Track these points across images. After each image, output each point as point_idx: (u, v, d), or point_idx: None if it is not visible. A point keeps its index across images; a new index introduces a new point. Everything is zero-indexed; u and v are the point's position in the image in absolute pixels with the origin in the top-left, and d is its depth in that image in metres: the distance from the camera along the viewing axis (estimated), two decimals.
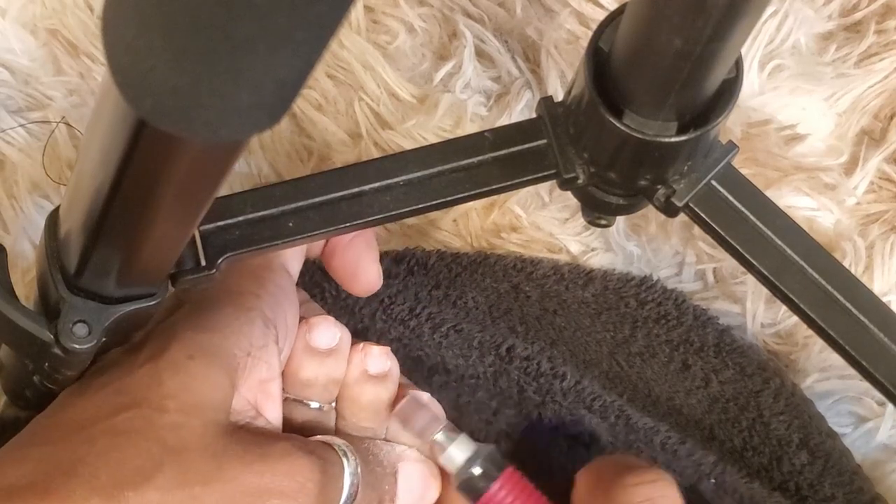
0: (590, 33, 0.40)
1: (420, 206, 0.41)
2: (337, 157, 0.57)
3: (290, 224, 0.40)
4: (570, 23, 0.57)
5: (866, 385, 0.42)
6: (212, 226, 0.39)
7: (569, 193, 0.45)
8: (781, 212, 0.43)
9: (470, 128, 0.56)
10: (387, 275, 0.50)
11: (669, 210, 0.42)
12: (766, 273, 0.42)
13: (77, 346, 0.35)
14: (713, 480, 0.49)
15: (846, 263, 0.54)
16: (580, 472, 0.42)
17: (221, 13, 0.21)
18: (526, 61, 0.59)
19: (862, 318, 0.42)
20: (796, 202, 0.56)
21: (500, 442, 0.51)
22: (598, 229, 0.55)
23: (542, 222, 0.56)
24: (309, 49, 0.22)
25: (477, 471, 0.42)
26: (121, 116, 0.26)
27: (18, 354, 0.39)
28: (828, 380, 0.55)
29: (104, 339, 0.36)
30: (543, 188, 0.57)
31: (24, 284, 0.53)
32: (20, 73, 0.58)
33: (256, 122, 0.24)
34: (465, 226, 0.56)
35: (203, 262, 0.38)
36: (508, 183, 0.42)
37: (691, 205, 0.42)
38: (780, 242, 0.42)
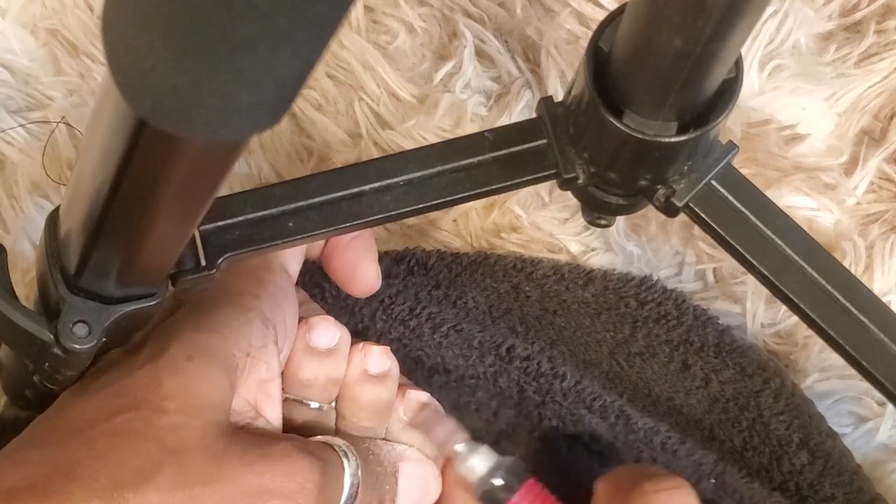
0: (590, 33, 0.40)
1: (420, 206, 0.41)
2: (337, 157, 0.57)
3: (290, 224, 0.40)
4: (570, 23, 0.57)
5: (866, 385, 0.42)
6: (212, 226, 0.39)
7: (569, 193, 0.45)
8: (781, 212, 0.43)
9: (470, 128, 0.56)
10: (387, 275, 0.50)
11: (669, 210, 0.42)
12: (766, 273, 0.42)
13: (77, 346, 0.35)
14: (713, 480, 0.49)
15: (846, 263, 0.54)
16: (600, 479, 0.42)
17: (221, 13, 0.21)
18: (526, 61, 0.59)
19: (862, 318, 0.42)
20: (796, 202, 0.56)
21: (501, 442, 0.51)
22: (598, 229, 0.55)
23: (542, 222, 0.56)
24: (309, 49, 0.22)
25: (498, 482, 0.42)
26: (121, 116, 0.26)
27: (18, 354, 0.39)
28: (828, 380, 0.55)
29: (104, 339, 0.36)
30: (543, 188, 0.57)
31: (24, 284, 0.53)
32: (20, 73, 0.58)
33: (256, 122, 0.24)
34: (465, 226, 0.56)
35: (203, 262, 0.38)
36: (508, 183, 0.42)
37: (691, 205, 0.42)
38: (780, 242, 0.42)
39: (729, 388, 0.53)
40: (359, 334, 0.49)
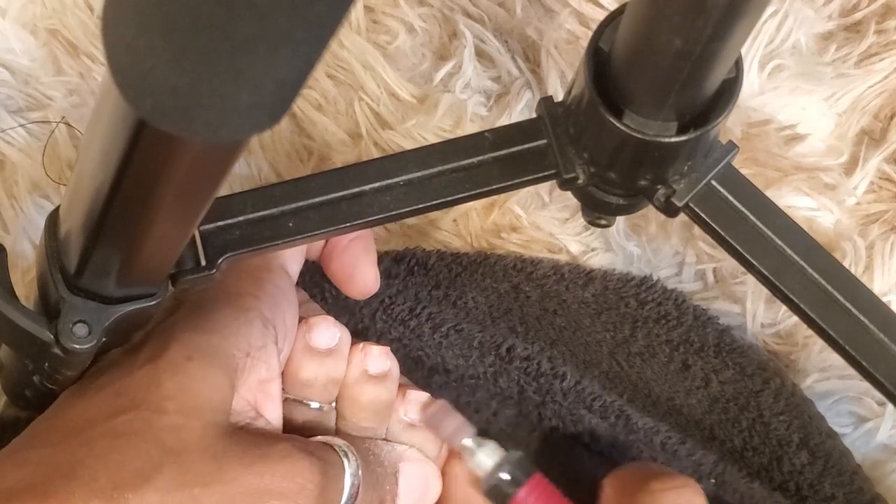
0: (590, 33, 0.40)
1: (420, 206, 0.41)
2: (337, 157, 0.57)
3: (290, 224, 0.40)
4: (570, 23, 0.57)
5: (866, 385, 0.42)
6: (212, 226, 0.39)
7: (569, 193, 0.45)
8: (781, 212, 0.43)
9: (470, 128, 0.56)
10: (387, 275, 0.50)
11: (669, 210, 0.42)
12: (766, 273, 0.42)
13: (77, 346, 0.35)
14: (713, 480, 0.49)
15: (846, 263, 0.54)
16: (607, 477, 0.42)
17: (221, 13, 0.21)
18: (526, 61, 0.59)
19: (862, 318, 0.41)
20: (796, 202, 0.56)
21: (501, 441, 0.51)
22: (598, 229, 0.55)
23: (542, 222, 0.56)
24: (309, 49, 0.22)
25: (505, 476, 0.43)
26: (121, 116, 0.26)
27: (18, 354, 0.39)
28: (828, 380, 0.55)
29: (104, 339, 0.36)
30: (543, 188, 0.57)
31: (24, 284, 0.53)
32: (20, 73, 0.58)
33: (256, 122, 0.24)
34: (465, 226, 0.56)
35: (203, 262, 0.38)
36: (508, 183, 0.42)
37: (691, 205, 0.42)
38: (780, 242, 0.42)
39: (729, 388, 0.53)
40: (359, 334, 0.49)
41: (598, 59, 0.39)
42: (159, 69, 0.22)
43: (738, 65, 0.38)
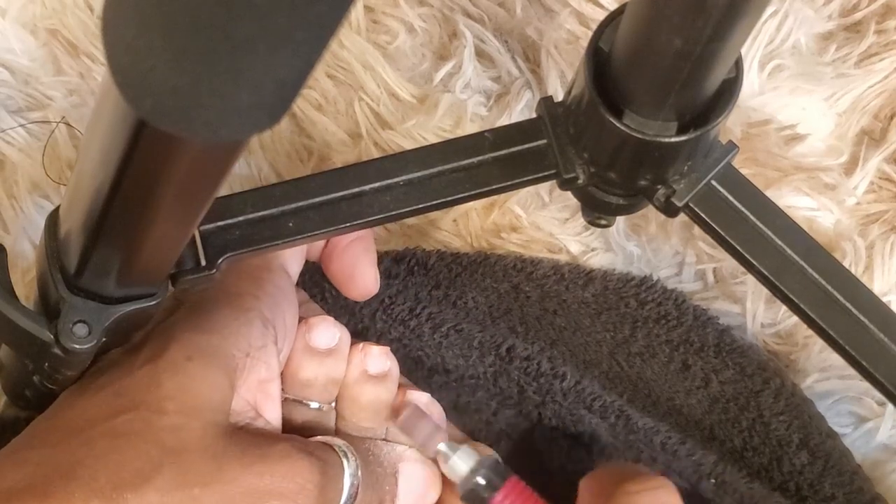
0: (590, 33, 0.40)
1: (420, 206, 0.41)
2: (337, 157, 0.57)
3: (290, 224, 0.40)
4: (570, 23, 0.57)
5: (866, 385, 0.42)
6: (212, 226, 0.39)
7: (569, 193, 0.45)
8: (781, 212, 0.43)
9: (470, 128, 0.56)
10: (387, 275, 0.50)
11: (669, 210, 0.42)
12: (766, 273, 0.42)
13: (77, 346, 0.35)
14: (713, 480, 0.49)
15: (846, 263, 0.54)
16: (583, 479, 0.42)
17: (221, 13, 0.21)
18: (526, 61, 0.59)
19: (862, 318, 0.41)
20: (796, 202, 0.56)
21: (501, 442, 0.51)
22: (598, 229, 0.55)
23: (542, 222, 0.56)
24: (309, 49, 0.22)
25: (481, 480, 0.42)
26: (121, 116, 0.26)
27: (18, 354, 0.39)
28: (828, 380, 0.55)
29: (104, 339, 0.36)
30: (543, 188, 0.57)
31: (24, 284, 0.53)
32: (20, 73, 0.58)
33: (256, 122, 0.24)
34: (465, 226, 0.56)
35: (203, 262, 0.38)
36: (508, 183, 0.42)
37: (691, 205, 0.42)
38: (780, 242, 0.42)
39: (729, 388, 0.53)
40: (359, 334, 0.49)
41: (598, 59, 0.39)
42: (159, 69, 0.22)
43: (738, 65, 0.38)
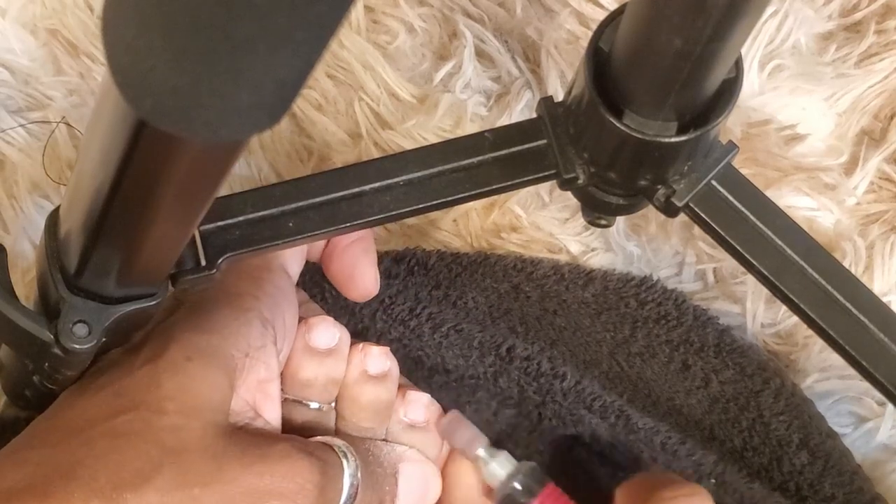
0: (590, 33, 0.40)
1: (420, 206, 0.41)
2: (337, 157, 0.57)
3: (290, 224, 0.40)
4: (570, 23, 0.57)
5: (866, 385, 0.42)
6: (212, 226, 0.39)
7: (569, 193, 0.45)
8: (781, 212, 0.43)
9: (470, 128, 0.56)
10: (387, 275, 0.50)
11: (669, 210, 0.42)
12: (766, 273, 0.42)
13: (77, 346, 0.35)
14: (713, 480, 0.49)
15: (846, 263, 0.54)
16: (619, 487, 0.43)
17: (221, 13, 0.21)
18: (526, 61, 0.59)
19: (862, 318, 0.41)
20: (796, 202, 0.56)
21: (501, 441, 0.51)
22: (598, 229, 0.55)
23: (542, 222, 0.56)
24: (309, 49, 0.22)
25: (518, 486, 0.43)
26: (121, 116, 0.26)
27: (18, 354, 0.39)
28: (828, 380, 0.55)
29: (104, 339, 0.36)
30: (543, 188, 0.57)
31: (24, 284, 0.53)
32: (20, 73, 0.58)
33: (256, 122, 0.24)
34: (465, 226, 0.56)
35: (203, 262, 0.38)
36: (508, 183, 0.42)
37: (691, 205, 0.42)
38: (780, 242, 0.42)
39: (729, 388, 0.53)
40: (359, 335, 0.49)
41: (598, 59, 0.39)
42: (159, 69, 0.22)
43: (738, 65, 0.38)
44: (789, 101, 0.58)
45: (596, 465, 0.50)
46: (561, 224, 0.57)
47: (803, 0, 0.58)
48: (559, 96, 0.43)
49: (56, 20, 0.58)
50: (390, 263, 0.52)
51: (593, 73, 0.39)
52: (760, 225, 0.42)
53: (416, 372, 0.50)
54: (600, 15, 0.53)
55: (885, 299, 0.46)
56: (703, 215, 0.42)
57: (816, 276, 0.42)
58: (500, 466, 0.44)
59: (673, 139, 0.39)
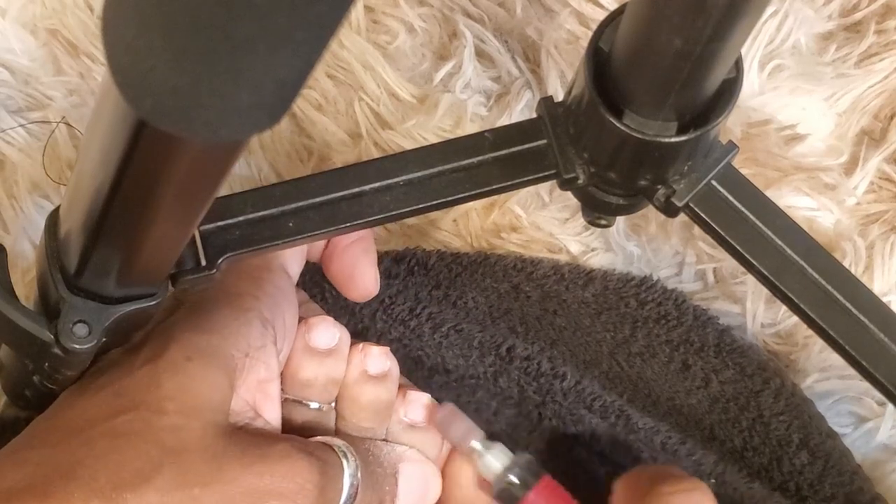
0: (590, 33, 0.40)
1: (420, 206, 0.41)
2: (337, 157, 0.57)
3: (290, 224, 0.40)
4: (570, 23, 0.57)
5: (866, 385, 0.42)
6: (212, 226, 0.39)
7: (569, 193, 0.45)
8: (781, 212, 0.43)
9: (470, 128, 0.56)
10: (387, 275, 0.50)
11: (669, 210, 0.42)
12: (766, 273, 0.42)
13: (77, 346, 0.35)
14: (713, 480, 0.49)
15: (846, 263, 0.54)
16: (617, 481, 0.43)
17: (221, 13, 0.21)
18: (526, 61, 0.59)
19: (862, 318, 0.41)
20: (796, 202, 0.56)
21: (501, 441, 0.51)
22: (598, 229, 0.55)
23: (542, 222, 0.56)
24: (309, 49, 0.22)
25: (514, 479, 0.43)
26: (121, 116, 0.26)
27: (18, 354, 0.39)
28: (828, 380, 0.55)
29: (104, 339, 0.36)
30: (543, 188, 0.57)
31: (24, 284, 0.53)
32: (20, 73, 0.58)
33: (256, 122, 0.24)
34: (465, 226, 0.56)
35: (203, 262, 0.38)
36: (508, 183, 0.42)
37: (691, 205, 0.42)
38: (780, 242, 0.42)
39: (729, 388, 0.53)
40: (359, 335, 0.49)
41: (598, 59, 0.39)
42: (159, 69, 0.22)
43: (738, 65, 0.38)
44: (789, 101, 0.58)
45: (596, 464, 0.50)
46: (561, 224, 0.57)
47: (803, 0, 0.58)
48: (559, 96, 0.43)
49: (56, 20, 0.58)
50: (390, 263, 0.52)
51: (593, 73, 0.39)
52: (760, 225, 0.42)
53: (416, 372, 0.50)
54: (600, 15, 0.53)
55: (885, 299, 0.46)
56: (703, 215, 0.42)
57: (816, 276, 0.42)
58: (496, 459, 0.44)
59: (673, 139, 0.39)
